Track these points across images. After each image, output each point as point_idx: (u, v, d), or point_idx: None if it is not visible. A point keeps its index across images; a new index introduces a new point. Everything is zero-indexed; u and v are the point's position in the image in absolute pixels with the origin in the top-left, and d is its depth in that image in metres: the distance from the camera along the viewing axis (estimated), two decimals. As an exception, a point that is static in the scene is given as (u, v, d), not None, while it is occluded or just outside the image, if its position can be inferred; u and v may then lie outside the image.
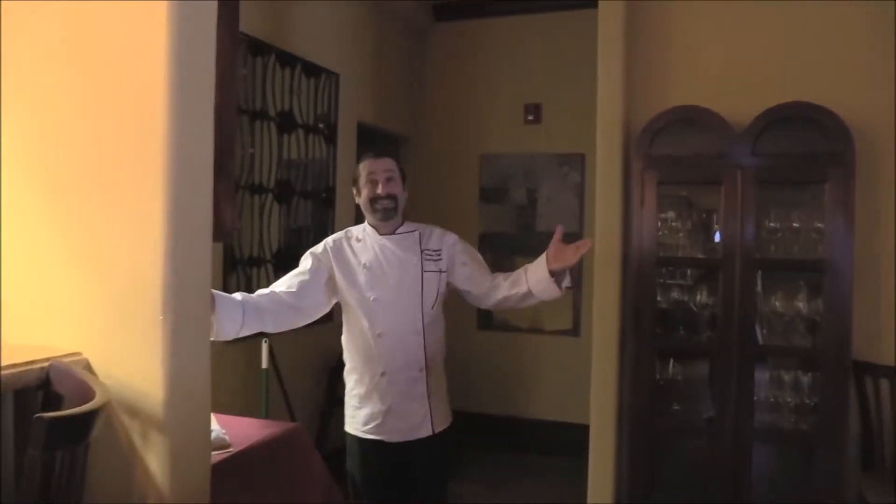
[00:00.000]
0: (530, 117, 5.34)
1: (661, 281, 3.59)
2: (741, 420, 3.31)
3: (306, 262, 2.52)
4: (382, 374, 2.46)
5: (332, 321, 4.47)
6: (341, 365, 4.44)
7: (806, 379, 3.33)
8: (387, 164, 2.53)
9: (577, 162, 5.23)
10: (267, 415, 3.45)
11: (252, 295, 2.37)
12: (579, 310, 5.25)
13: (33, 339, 1.60)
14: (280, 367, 3.62)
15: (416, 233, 2.58)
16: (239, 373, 3.62)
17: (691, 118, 3.43)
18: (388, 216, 2.51)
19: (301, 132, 4.13)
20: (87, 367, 1.55)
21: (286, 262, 3.73)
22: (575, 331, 5.27)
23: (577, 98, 4.90)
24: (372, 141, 5.19)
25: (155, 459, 1.50)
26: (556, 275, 2.45)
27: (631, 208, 3.57)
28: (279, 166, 3.94)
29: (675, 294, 3.57)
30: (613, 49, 3.66)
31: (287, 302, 2.40)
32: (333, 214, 4.51)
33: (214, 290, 2.07)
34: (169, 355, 1.50)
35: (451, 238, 2.62)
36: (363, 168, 2.54)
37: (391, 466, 2.49)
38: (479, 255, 2.67)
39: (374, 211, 2.51)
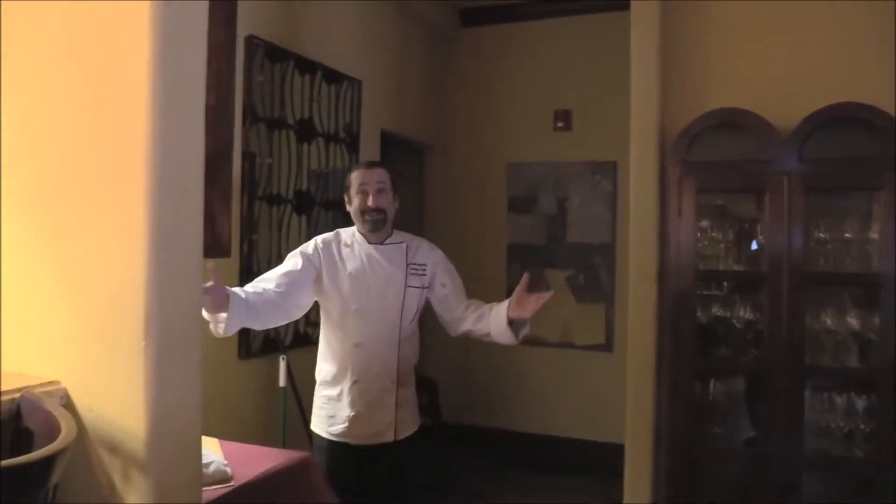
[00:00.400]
0: (560, 124, 5.14)
1: (700, 293, 3.37)
2: (790, 446, 3.08)
3: (296, 261, 2.53)
4: (354, 383, 2.50)
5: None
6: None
7: (860, 402, 3.08)
8: (379, 176, 2.56)
9: (609, 170, 5.02)
10: (285, 436, 3.29)
11: (250, 292, 2.36)
12: (612, 324, 5.03)
13: (11, 364, 1.45)
14: (297, 385, 3.46)
15: (404, 245, 2.61)
16: (254, 392, 3.47)
17: (732, 121, 3.22)
18: (377, 227, 2.54)
19: (322, 141, 3.98)
20: (66, 397, 1.39)
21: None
22: (608, 346, 5.05)
23: (608, 103, 4.70)
24: (396, 150, 5.06)
25: (136, 502, 1.34)
26: (515, 323, 2.44)
27: (667, 218, 3.37)
28: (298, 176, 3.80)
29: (715, 309, 3.35)
30: (647, 51, 3.48)
31: (276, 302, 2.41)
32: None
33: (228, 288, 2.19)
34: (152, 386, 1.33)
35: (438, 255, 2.66)
36: (355, 178, 2.58)
37: (354, 469, 2.53)
38: (459, 280, 2.67)
39: (363, 221, 2.54)
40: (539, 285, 5.21)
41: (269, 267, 3.54)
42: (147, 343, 1.33)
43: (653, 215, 3.46)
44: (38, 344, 1.44)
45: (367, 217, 2.51)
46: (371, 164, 2.66)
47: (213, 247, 1.57)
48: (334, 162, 4.12)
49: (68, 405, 1.39)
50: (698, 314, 3.31)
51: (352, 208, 2.58)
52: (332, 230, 4.06)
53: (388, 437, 2.53)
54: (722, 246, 3.43)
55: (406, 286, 2.54)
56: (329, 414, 2.56)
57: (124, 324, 1.34)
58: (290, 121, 3.72)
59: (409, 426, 2.61)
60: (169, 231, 1.36)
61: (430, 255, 2.63)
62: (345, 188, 2.62)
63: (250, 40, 3.38)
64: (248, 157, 3.40)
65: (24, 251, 1.46)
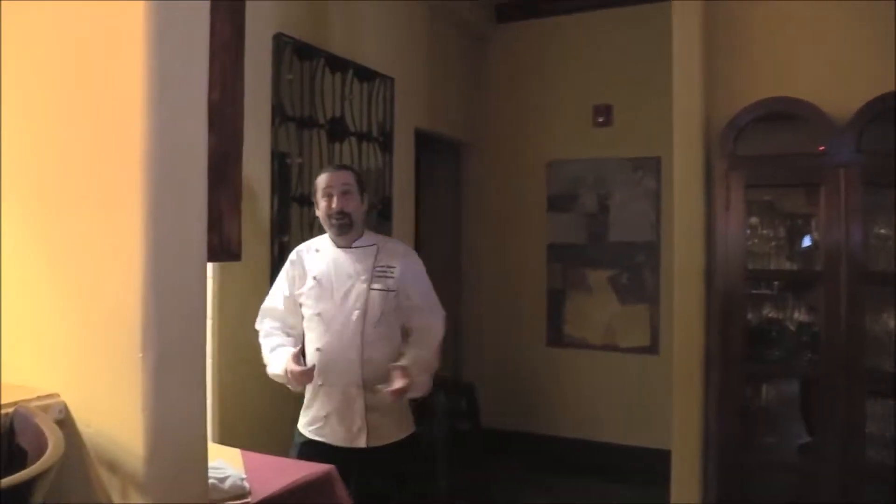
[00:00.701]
0: (600, 119, 4.97)
1: (749, 293, 3.19)
2: (849, 456, 2.88)
3: (283, 282, 2.64)
4: (321, 386, 2.52)
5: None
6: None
7: (927, 410, 2.87)
8: (344, 178, 2.56)
9: (653, 166, 4.83)
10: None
11: (279, 329, 2.59)
12: (657, 326, 4.84)
13: (13, 376, 1.37)
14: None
15: (374, 247, 2.59)
16: (285, 400, 3.39)
17: (783, 111, 3.04)
18: (343, 231, 2.54)
19: (353, 140, 3.90)
20: (64, 411, 1.31)
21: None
22: (653, 348, 4.86)
23: (651, 97, 4.52)
24: (431, 148, 4.96)
25: (136, 524, 1.26)
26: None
27: (714, 215, 3.19)
28: (330, 177, 3.72)
29: (766, 310, 3.17)
30: (690, 40, 3.31)
31: (288, 331, 2.60)
32: (391, 227, 4.26)
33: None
34: (150, 400, 1.24)
35: (411, 261, 2.62)
36: (321, 181, 2.58)
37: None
38: (427, 293, 2.63)
39: (330, 225, 2.55)
40: (581, 286, 5.10)
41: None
42: (144, 354, 1.24)
43: (699, 212, 3.29)
44: (38, 354, 1.37)
45: (333, 221, 2.52)
46: (338, 167, 2.67)
47: (221, 250, 1.48)
48: (367, 161, 4.04)
49: (67, 419, 1.31)
50: (748, 315, 3.14)
51: (319, 212, 2.58)
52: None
53: (360, 443, 2.50)
54: (773, 243, 3.25)
55: (369, 289, 2.50)
56: (310, 413, 2.59)
57: (121, 334, 1.26)
58: (321, 120, 3.64)
59: (389, 434, 2.54)
60: (168, 235, 1.27)
61: (401, 259, 2.58)
62: (312, 192, 2.64)
63: (278, 38, 3.31)
64: (277, 157, 3.34)
65: (23, 257, 1.38)
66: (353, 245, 2.56)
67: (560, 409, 5.10)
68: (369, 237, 2.62)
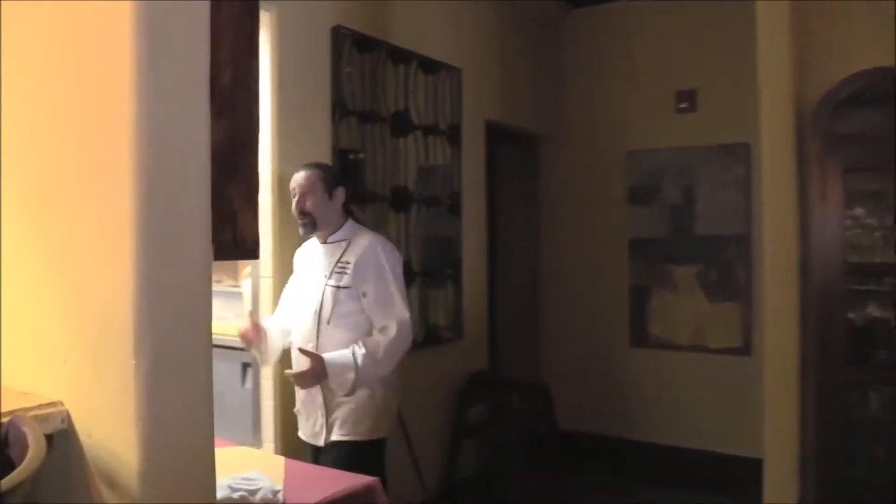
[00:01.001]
0: (683, 105, 4.65)
1: (852, 289, 2.87)
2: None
3: (292, 280, 2.76)
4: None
5: (461, 338, 4.12)
6: (471, 388, 4.10)
7: None
8: (306, 178, 2.55)
9: (742, 153, 4.49)
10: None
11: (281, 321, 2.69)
12: (750, 325, 4.50)
13: (19, 381, 1.31)
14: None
15: (345, 242, 2.57)
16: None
17: (887, 83, 2.70)
18: (307, 230, 2.56)
19: (419, 134, 3.78)
20: (67, 419, 1.23)
21: (408, 274, 3.34)
22: (745, 349, 4.53)
23: (738, 78, 4.20)
24: (505, 141, 4.79)
25: (133, 546, 1.16)
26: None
27: (809, 203, 2.89)
28: (395, 172, 3.61)
29: (871, 309, 2.84)
30: (777, 6, 2.99)
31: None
32: (460, 223, 4.12)
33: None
34: (145, 411, 1.13)
35: (372, 257, 2.52)
36: (291, 182, 2.60)
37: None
38: (384, 291, 2.51)
39: (298, 225, 2.57)
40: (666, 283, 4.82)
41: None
42: (137, 360, 1.14)
43: (791, 201, 2.99)
44: (40, 358, 1.29)
45: (299, 220, 2.54)
46: (305, 167, 2.62)
47: (235, 247, 1.37)
48: (434, 156, 3.91)
49: (69, 429, 1.23)
50: (849, 314, 2.82)
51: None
52: (433, 228, 3.92)
53: (320, 441, 2.53)
54: (878, 234, 2.92)
55: (325, 285, 2.52)
56: None
57: (115, 339, 1.16)
58: (384, 114, 3.54)
59: (345, 433, 2.49)
60: (164, 232, 1.17)
61: (361, 254, 2.52)
62: None
63: (337, 30, 3.23)
64: (338, 153, 3.25)
65: (23, 257, 1.31)
66: (328, 240, 2.59)
67: (644, 412, 4.83)
68: (347, 231, 2.60)
